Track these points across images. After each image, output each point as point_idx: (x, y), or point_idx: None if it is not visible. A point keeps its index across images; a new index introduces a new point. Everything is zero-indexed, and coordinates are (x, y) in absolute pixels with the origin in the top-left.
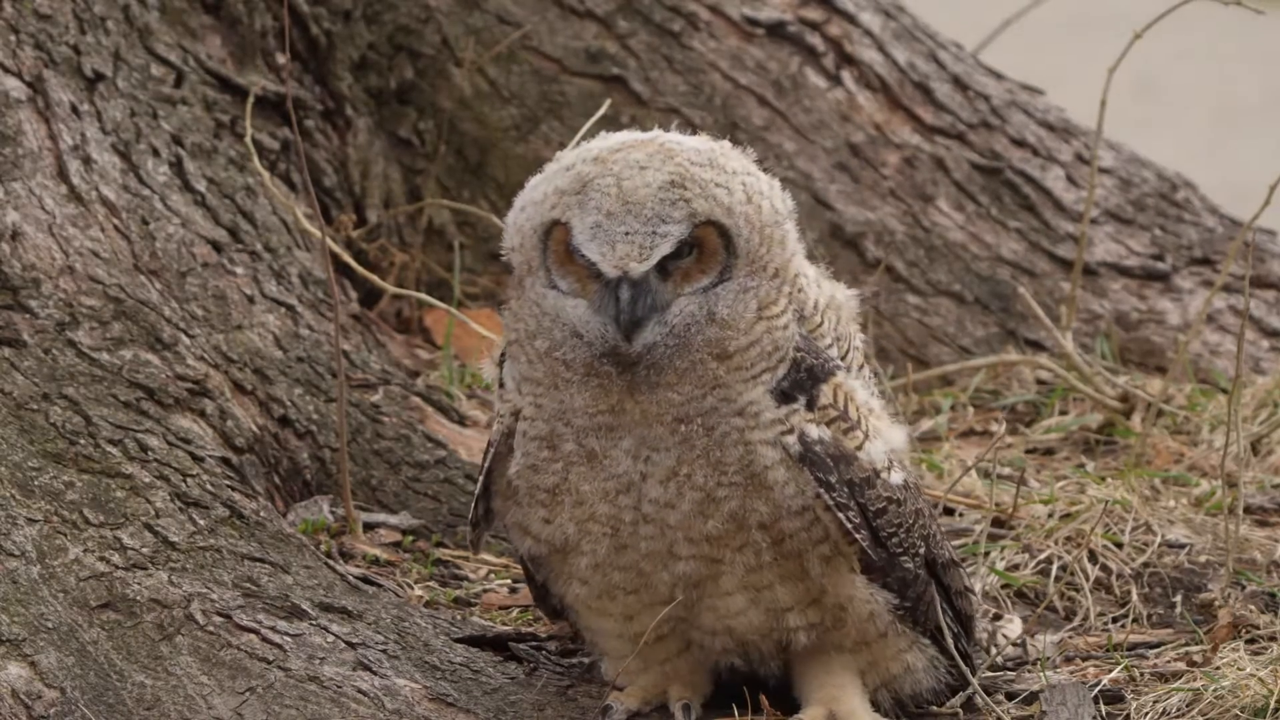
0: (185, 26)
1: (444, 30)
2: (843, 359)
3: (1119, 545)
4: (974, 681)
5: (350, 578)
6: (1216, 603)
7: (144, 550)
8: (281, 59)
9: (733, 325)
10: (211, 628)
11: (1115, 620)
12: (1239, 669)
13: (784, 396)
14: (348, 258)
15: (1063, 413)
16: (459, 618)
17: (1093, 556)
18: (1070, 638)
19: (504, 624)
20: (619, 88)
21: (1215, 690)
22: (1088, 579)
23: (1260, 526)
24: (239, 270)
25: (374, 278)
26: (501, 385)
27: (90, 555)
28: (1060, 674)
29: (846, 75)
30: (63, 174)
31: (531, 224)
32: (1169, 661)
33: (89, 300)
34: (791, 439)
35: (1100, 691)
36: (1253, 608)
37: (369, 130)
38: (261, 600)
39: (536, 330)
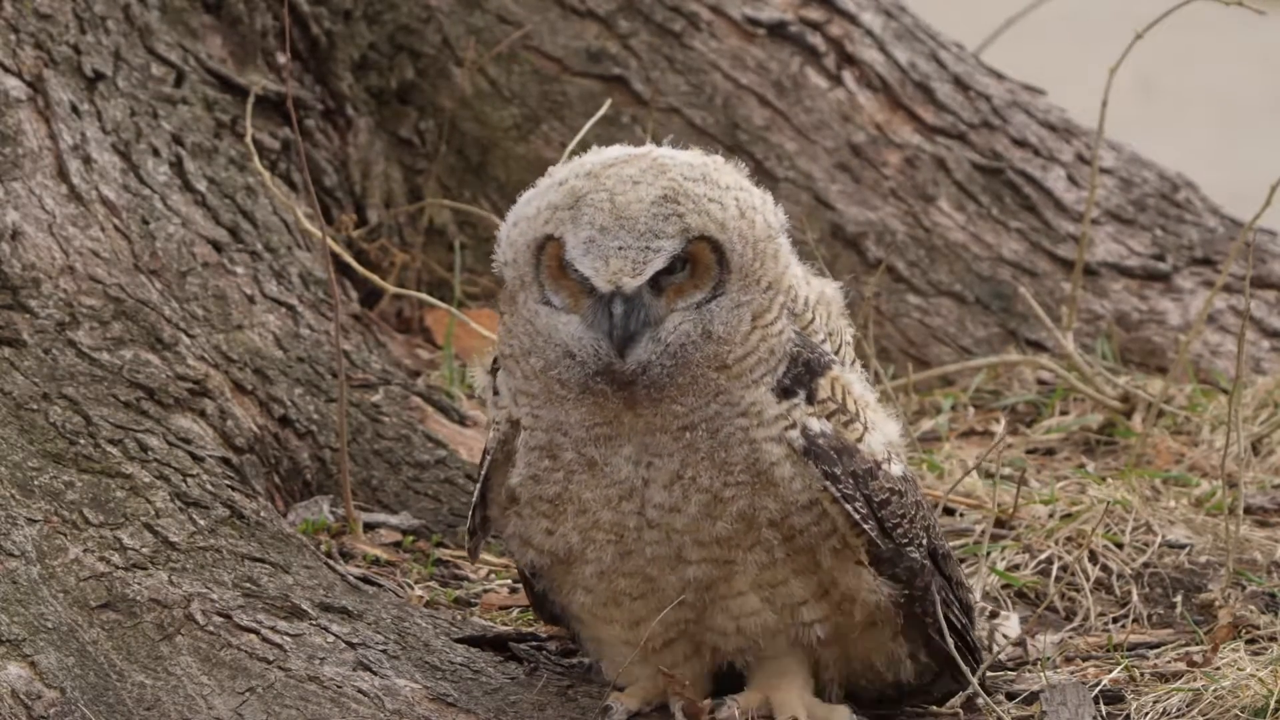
0: (186, 26)
1: (445, 30)
2: (836, 353)
3: (1119, 545)
4: (974, 682)
5: (350, 578)
6: (1217, 603)
7: (144, 550)
8: (282, 58)
9: (729, 340)
10: (211, 628)
11: (1115, 620)
12: (1239, 669)
13: (785, 392)
14: (348, 257)
15: (1063, 413)
16: (459, 618)
17: (1093, 557)
18: (1070, 638)
19: (504, 624)
20: (620, 88)
21: (1215, 690)
22: (1088, 579)
23: (1260, 527)
24: (239, 270)
25: (374, 278)
26: (496, 393)
27: (90, 555)
28: (1060, 674)
29: (847, 75)
30: (63, 174)
31: (525, 239)
32: (1169, 662)
33: (89, 300)
34: (795, 433)
35: (1100, 691)
36: (1253, 608)
37: (370, 130)
38: (261, 600)
39: (530, 348)
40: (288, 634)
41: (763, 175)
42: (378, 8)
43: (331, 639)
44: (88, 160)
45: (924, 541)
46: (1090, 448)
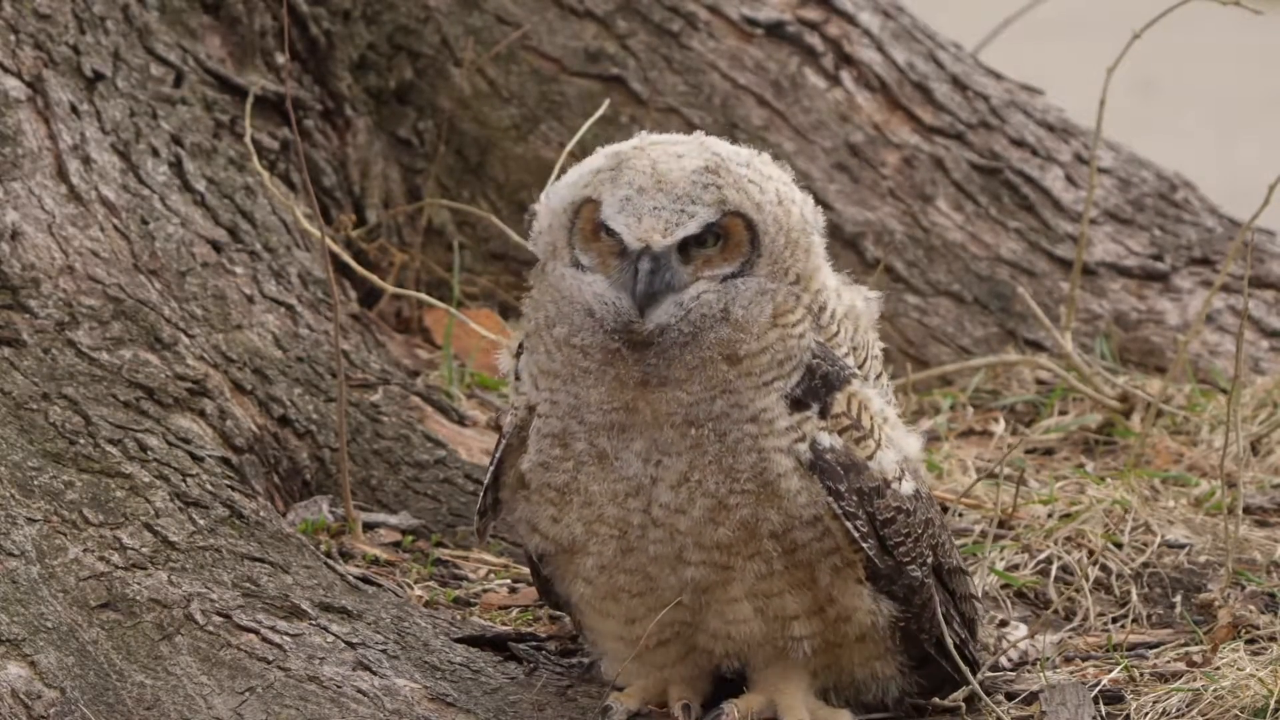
0: (185, 26)
1: (443, 30)
2: (860, 367)
3: (1119, 545)
4: (974, 682)
5: (350, 578)
6: (1216, 603)
7: (144, 550)
8: (281, 59)
9: (746, 328)
10: (211, 628)
11: (1115, 620)
12: (1239, 669)
13: (797, 404)
14: (347, 257)
15: (1062, 413)
16: (459, 618)
17: (1092, 556)
18: (1070, 638)
19: (504, 624)
20: (618, 87)
21: (1215, 690)
22: (1087, 579)
23: (1260, 527)
24: (238, 270)
25: (373, 277)
26: (517, 377)
27: (90, 555)
28: (1060, 674)
29: (845, 75)
30: (62, 174)
31: (562, 204)
32: (1169, 662)
33: (89, 300)
34: (803, 446)
35: (1100, 692)
36: (1252, 608)
37: (368, 130)
38: (261, 600)
39: (555, 316)
40: (287, 634)
41: None
42: (376, 8)
43: (331, 639)
44: (87, 160)
45: (929, 559)
46: (1089, 448)
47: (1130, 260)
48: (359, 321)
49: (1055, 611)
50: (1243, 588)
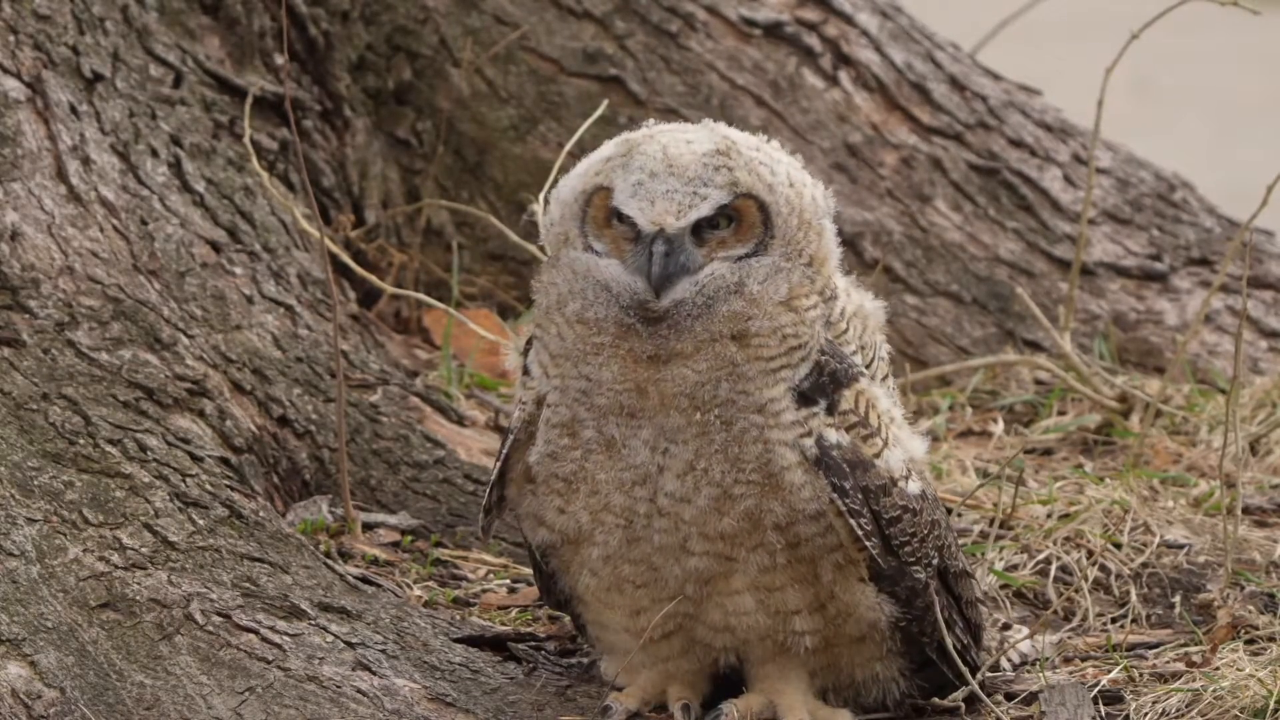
0: (184, 27)
1: (442, 31)
2: (867, 367)
3: (1118, 546)
4: (974, 683)
5: (349, 578)
6: (1215, 603)
7: (143, 550)
8: (280, 59)
9: (759, 303)
10: (211, 628)
11: (1114, 621)
12: (1238, 669)
13: (804, 399)
14: (346, 258)
15: (1061, 413)
16: (458, 618)
17: (1091, 557)
18: (1069, 638)
19: (503, 624)
20: (616, 88)
21: (1214, 691)
22: (1087, 579)
23: (1259, 527)
24: (238, 270)
25: (372, 278)
26: (526, 372)
27: (90, 555)
28: (1059, 674)
29: (844, 75)
30: (62, 174)
31: (573, 193)
32: (1168, 662)
33: (88, 300)
34: (809, 442)
35: (1099, 692)
36: (1252, 608)
37: (367, 130)
38: (261, 600)
39: (568, 294)
40: (287, 634)
41: None
42: (375, 9)
43: (330, 639)
44: (86, 161)
45: (934, 561)
46: (1088, 448)
47: (1129, 260)
48: (358, 322)
49: (1055, 612)
50: (1242, 588)
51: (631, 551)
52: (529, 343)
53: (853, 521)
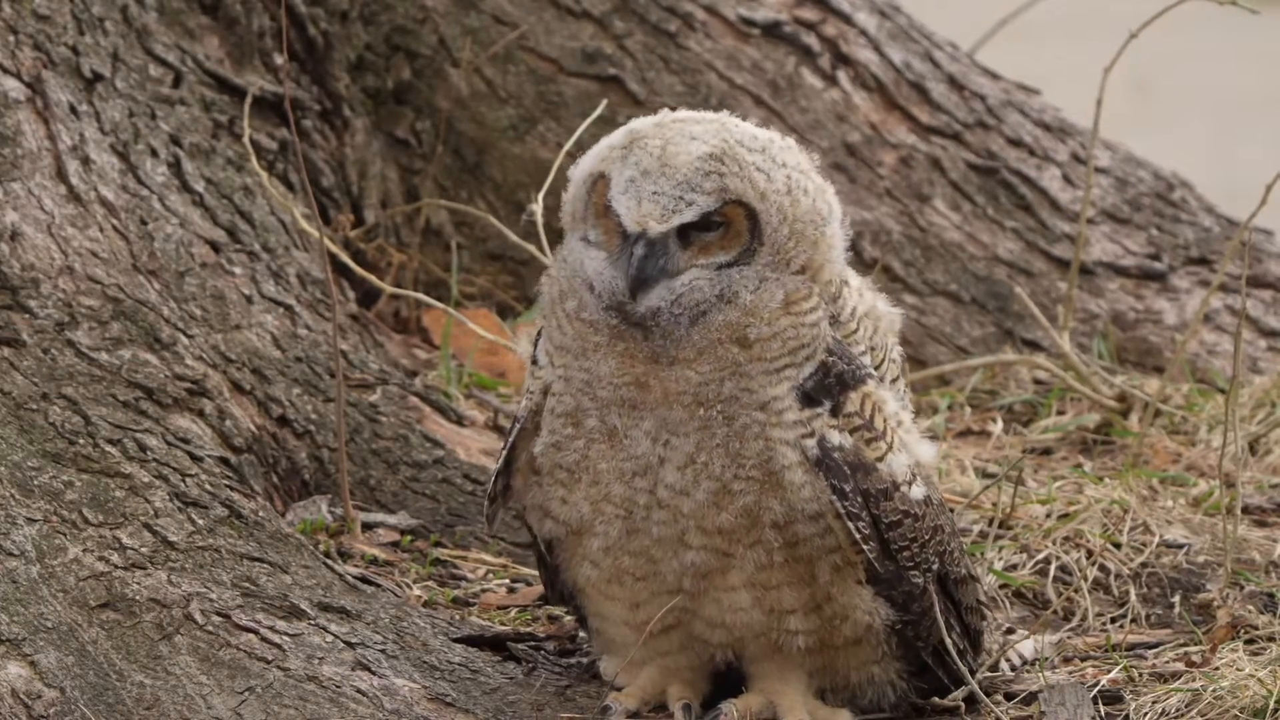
0: (183, 27)
1: (441, 31)
2: (877, 369)
3: (1117, 545)
4: (973, 682)
5: (349, 577)
6: (1215, 603)
7: (143, 550)
8: (279, 59)
9: (756, 313)
10: (210, 627)
11: (1114, 620)
12: (1238, 669)
13: (808, 399)
14: (346, 258)
15: (1060, 413)
16: (457, 618)
17: (1091, 556)
18: (1069, 638)
19: (502, 624)
20: (615, 88)
21: (1214, 691)
22: (1086, 579)
23: (1258, 526)
24: (237, 270)
25: (372, 278)
26: (535, 362)
27: (89, 555)
28: (1059, 674)
29: (842, 75)
30: (61, 174)
31: (583, 175)
32: (1168, 662)
33: (88, 300)
34: (811, 442)
35: (1099, 692)
36: (1251, 608)
37: (366, 130)
38: (260, 600)
39: (567, 290)
40: (286, 634)
41: None
42: (374, 9)
43: (330, 639)
44: (86, 161)
45: (935, 566)
46: (1087, 447)
47: (1128, 260)
48: (357, 321)
49: (1054, 612)
50: (1241, 588)
51: (630, 543)
52: (540, 332)
53: (851, 524)
